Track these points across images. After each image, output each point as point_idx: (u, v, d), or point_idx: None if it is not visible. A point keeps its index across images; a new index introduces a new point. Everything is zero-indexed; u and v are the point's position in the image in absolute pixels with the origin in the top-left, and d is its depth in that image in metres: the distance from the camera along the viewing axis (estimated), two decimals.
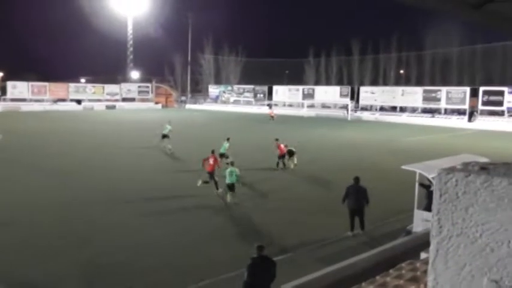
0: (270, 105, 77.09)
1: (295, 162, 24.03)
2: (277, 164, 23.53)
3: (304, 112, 67.47)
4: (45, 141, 32.68)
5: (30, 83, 74.55)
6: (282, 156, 23.63)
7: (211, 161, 18.60)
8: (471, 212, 1.06)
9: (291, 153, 24.06)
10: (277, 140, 24.59)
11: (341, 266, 9.18)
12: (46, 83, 75.84)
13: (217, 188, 17.95)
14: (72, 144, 30.96)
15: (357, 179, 13.96)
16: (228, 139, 23.98)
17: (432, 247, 1.13)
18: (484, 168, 1.08)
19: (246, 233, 13.63)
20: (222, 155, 22.14)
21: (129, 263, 11.20)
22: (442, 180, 1.09)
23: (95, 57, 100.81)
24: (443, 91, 59.90)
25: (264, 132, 37.55)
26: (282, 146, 23.93)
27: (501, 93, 54.60)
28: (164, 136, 29.02)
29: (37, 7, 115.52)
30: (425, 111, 61.93)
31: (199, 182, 18.60)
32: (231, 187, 16.81)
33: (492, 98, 55.22)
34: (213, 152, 19.50)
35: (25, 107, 70.38)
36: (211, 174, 18.34)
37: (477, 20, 12.92)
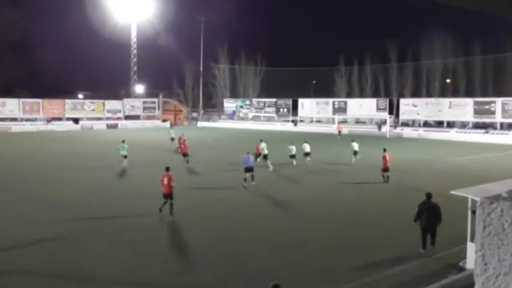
0: (295, 122, 77.12)
1: None
2: (383, 176, 26.81)
3: (335, 129, 67.23)
4: (37, 167, 33.22)
5: (22, 100, 76.04)
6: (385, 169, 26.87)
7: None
8: None
9: None
10: (385, 150, 27.81)
11: None
12: (39, 100, 77.06)
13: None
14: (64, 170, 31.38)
15: (429, 195, 14.69)
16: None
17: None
18: None
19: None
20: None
21: None
22: (485, 211, 1.10)
23: (94, 69, 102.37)
24: (498, 103, 59.24)
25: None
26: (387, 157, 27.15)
27: None
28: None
29: (29, 15, 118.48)
30: (477, 126, 61.34)
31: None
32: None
33: None
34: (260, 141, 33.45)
35: (16, 127, 71.52)
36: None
37: None
